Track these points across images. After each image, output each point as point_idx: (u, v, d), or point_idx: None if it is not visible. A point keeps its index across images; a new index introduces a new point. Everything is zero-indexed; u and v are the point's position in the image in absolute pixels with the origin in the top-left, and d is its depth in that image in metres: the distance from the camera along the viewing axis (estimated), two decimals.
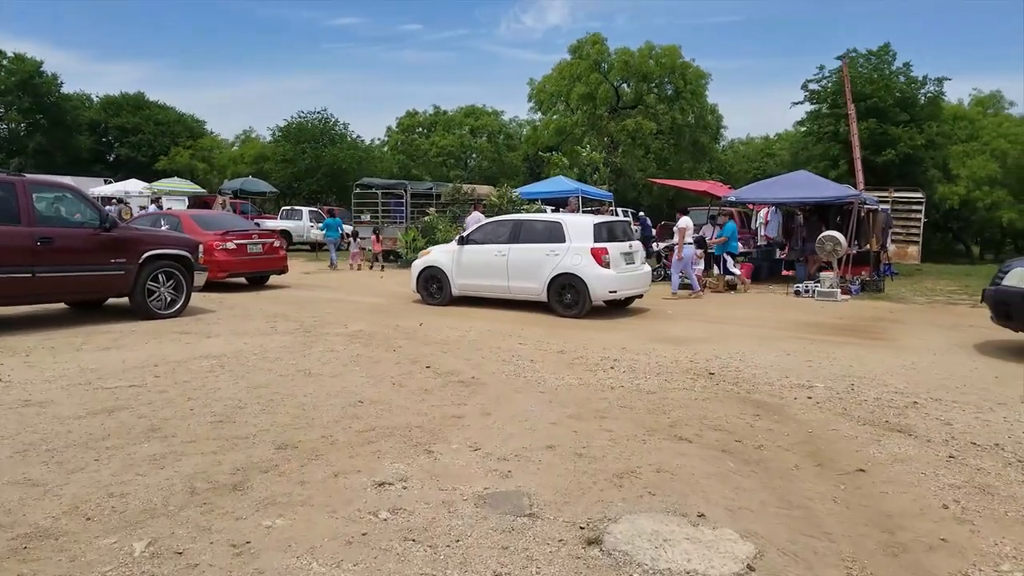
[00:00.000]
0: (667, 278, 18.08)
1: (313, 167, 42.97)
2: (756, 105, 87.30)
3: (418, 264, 13.92)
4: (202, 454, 5.10)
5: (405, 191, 23.43)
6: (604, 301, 12.50)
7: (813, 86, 35.00)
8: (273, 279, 17.18)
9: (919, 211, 20.64)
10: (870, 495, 4.62)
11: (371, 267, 22.09)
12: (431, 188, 24.52)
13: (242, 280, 16.47)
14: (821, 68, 34.85)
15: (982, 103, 40.52)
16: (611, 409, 6.52)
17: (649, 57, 37.79)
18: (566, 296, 12.14)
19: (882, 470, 5.09)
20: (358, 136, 47.41)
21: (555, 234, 12.35)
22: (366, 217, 24.42)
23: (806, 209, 19.44)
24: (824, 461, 5.26)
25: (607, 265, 11.88)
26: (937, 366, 8.62)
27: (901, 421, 6.25)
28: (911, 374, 8.12)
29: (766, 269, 19.13)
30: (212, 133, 55.73)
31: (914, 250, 20.69)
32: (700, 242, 15.74)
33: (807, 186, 17.79)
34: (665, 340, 10.08)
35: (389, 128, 52.02)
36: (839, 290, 14.99)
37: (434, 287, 13.55)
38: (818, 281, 15.56)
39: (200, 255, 12.53)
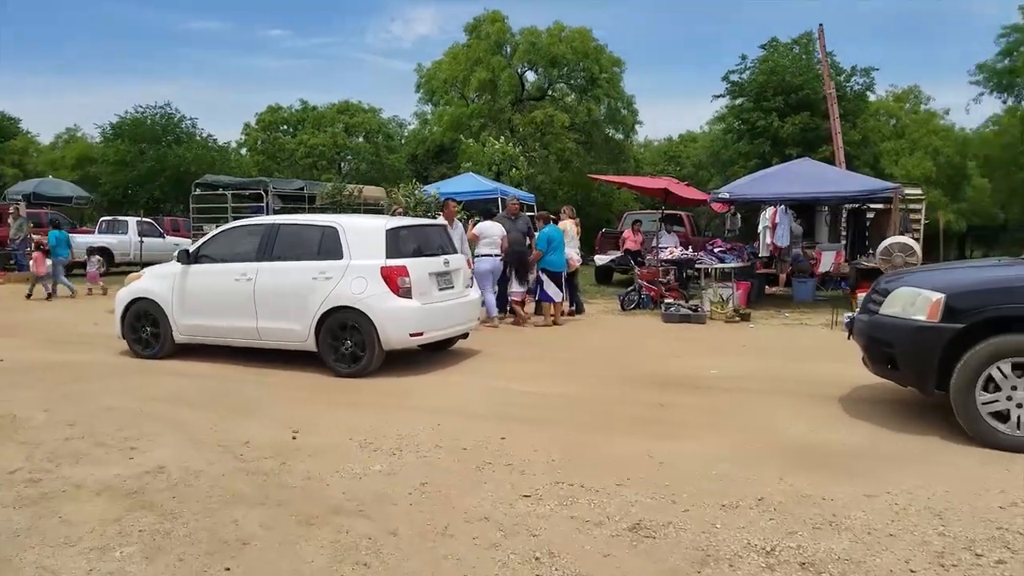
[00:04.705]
0: (639, 305, 13.22)
1: (155, 170, 35.57)
2: (654, 108, 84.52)
3: (124, 295, 9.20)
4: None
5: (266, 192, 17.39)
6: (418, 346, 8.57)
7: (735, 77, 31.29)
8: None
9: (919, 211, 16.82)
10: None
11: (29, 296, 15.59)
12: (302, 188, 18.56)
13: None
14: (743, 58, 31.24)
15: (901, 99, 38.29)
16: None
17: (559, 39, 32.83)
18: (344, 342, 7.96)
19: None
20: (210, 135, 40.15)
21: (327, 246, 8.19)
22: (213, 228, 18.15)
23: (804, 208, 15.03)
24: None
25: (407, 293, 7.90)
26: None
27: None
28: None
29: (756, 288, 14.47)
30: (28, 133, 46.64)
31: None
32: (519, 256, 11.58)
33: (824, 178, 13.30)
34: (804, 457, 4.96)
35: (247, 125, 44.58)
36: None
37: (147, 331, 8.98)
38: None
39: None
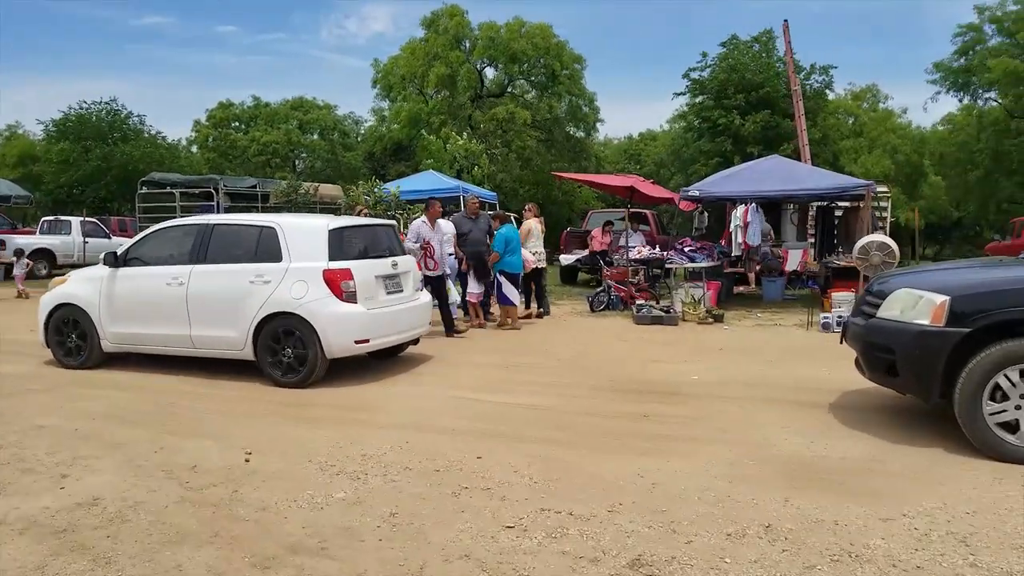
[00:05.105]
0: (609, 306, 12.86)
1: (101, 169, 34.25)
2: (613, 107, 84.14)
3: (47, 300, 8.60)
4: None
5: (216, 190, 16.66)
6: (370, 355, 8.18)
7: (696, 75, 31.15)
8: None
9: (885, 209, 16.70)
10: None
11: None
12: (255, 186, 17.85)
13: None
14: (704, 56, 31.10)
15: (859, 97, 38.64)
16: None
17: (519, 35, 32.33)
18: (284, 351, 7.41)
19: None
20: (158, 132, 38.80)
21: (265, 248, 7.65)
22: None
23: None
24: None
25: (352, 297, 7.41)
26: None
27: None
28: None
29: (725, 287, 14.18)
30: None
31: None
32: (480, 256, 11.14)
33: (796, 175, 13.06)
34: (805, 474, 4.58)
35: (197, 122, 43.19)
36: None
37: (73, 338, 8.38)
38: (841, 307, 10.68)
39: None
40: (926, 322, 4.99)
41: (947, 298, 4.93)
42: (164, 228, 8.59)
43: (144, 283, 8.04)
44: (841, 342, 6.12)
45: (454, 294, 10.92)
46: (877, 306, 5.49)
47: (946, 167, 35.73)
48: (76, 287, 8.50)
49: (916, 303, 5.11)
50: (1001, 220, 30.33)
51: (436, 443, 5.41)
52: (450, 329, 10.36)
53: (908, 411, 6.04)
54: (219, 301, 7.61)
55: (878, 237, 10.60)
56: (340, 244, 7.61)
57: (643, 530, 3.85)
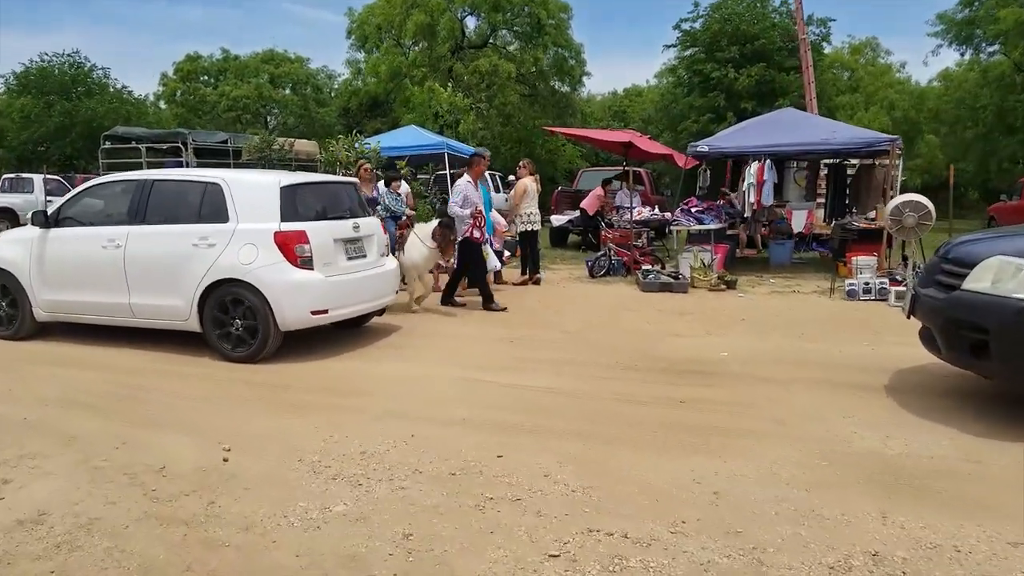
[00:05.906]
0: (610, 271, 12.10)
1: (66, 125, 32.83)
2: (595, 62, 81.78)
3: None
4: None
5: (184, 145, 15.60)
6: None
7: (687, 26, 30.02)
8: None
9: (896, 167, 15.86)
10: None
11: None
12: (226, 141, 16.77)
13: None
14: (696, 5, 29.91)
15: (857, 51, 37.51)
16: None
17: None
18: (232, 321, 6.71)
19: None
20: (124, 86, 37.20)
21: (210, 206, 6.88)
22: None
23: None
24: None
25: (307, 263, 6.71)
26: None
27: None
28: None
29: (731, 251, 13.43)
30: None
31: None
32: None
33: (811, 128, 12.17)
34: (894, 480, 3.88)
35: (164, 75, 41.28)
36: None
37: (3, 306, 7.74)
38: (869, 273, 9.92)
39: None
40: None
41: None
42: (99, 184, 7.77)
43: (77, 245, 7.31)
44: (908, 316, 5.37)
45: (493, 259, 9.88)
46: (958, 275, 4.74)
47: (941, 124, 34.81)
48: (4, 250, 7.80)
49: (1016, 273, 4.37)
50: (1001, 180, 29.56)
51: (445, 437, 4.63)
52: (488, 301, 9.22)
53: (980, 395, 5.34)
54: (160, 266, 6.91)
55: (913, 196, 9.77)
56: (294, 203, 6.82)
57: (721, 560, 3.11)
